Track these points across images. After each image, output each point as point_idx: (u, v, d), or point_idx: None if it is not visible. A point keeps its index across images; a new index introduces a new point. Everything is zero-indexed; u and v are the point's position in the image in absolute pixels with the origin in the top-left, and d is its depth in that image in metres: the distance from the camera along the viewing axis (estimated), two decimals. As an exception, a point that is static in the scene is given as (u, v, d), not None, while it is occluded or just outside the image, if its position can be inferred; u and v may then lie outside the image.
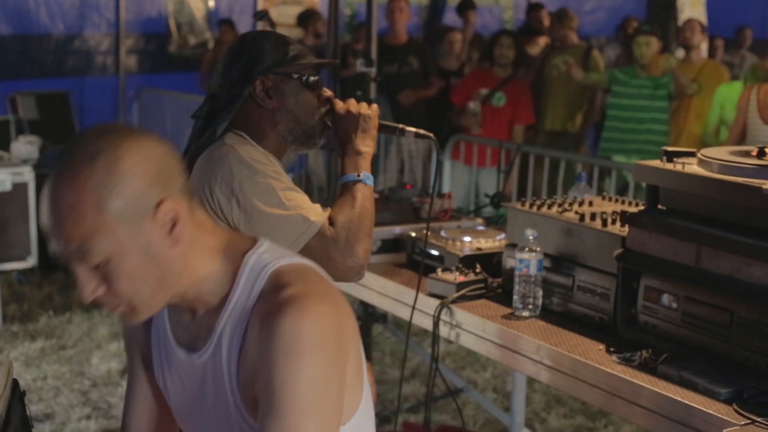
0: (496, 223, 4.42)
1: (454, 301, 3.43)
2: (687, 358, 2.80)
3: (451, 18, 12.41)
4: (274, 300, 1.81)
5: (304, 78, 2.83)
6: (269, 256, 1.90)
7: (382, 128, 2.94)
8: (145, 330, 2.08)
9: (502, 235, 3.83)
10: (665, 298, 2.88)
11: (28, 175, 7.37)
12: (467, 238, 3.80)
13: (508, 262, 3.44)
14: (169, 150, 1.84)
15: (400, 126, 2.99)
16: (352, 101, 2.91)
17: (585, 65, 8.76)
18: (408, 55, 9.02)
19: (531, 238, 3.24)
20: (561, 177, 7.02)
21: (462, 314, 3.38)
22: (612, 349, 2.96)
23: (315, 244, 2.65)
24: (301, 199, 2.70)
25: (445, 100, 9.12)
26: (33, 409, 5.43)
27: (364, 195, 2.77)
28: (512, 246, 3.39)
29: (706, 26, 8.72)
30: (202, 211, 1.93)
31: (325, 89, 2.92)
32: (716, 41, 11.72)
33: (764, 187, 2.57)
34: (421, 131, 2.99)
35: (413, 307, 3.37)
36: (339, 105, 2.89)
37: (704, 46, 8.61)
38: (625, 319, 3.01)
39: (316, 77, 2.87)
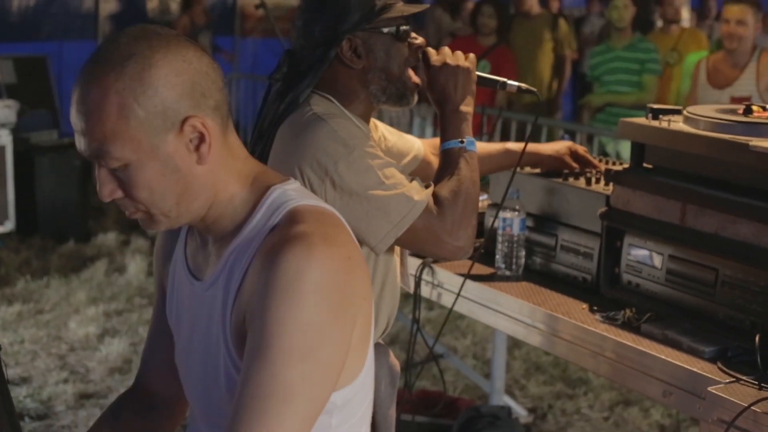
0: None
1: (435, 261, 3.39)
2: (671, 318, 2.78)
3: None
4: (285, 232, 1.72)
5: (396, 31, 2.56)
6: (295, 194, 1.82)
7: (481, 81, 2.69)
8: (166, 260, 2.04)
9: (485, 196, 3.78)
10: (649, 257, 2.85)
11: (5, 138, 7.32)
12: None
13: (491, 222, 3.40)
14: (210, 65, 1.77)
15: (502, 79, 2.77)
16: (446, 50, 2.63)
17: (553, 35, 8.76)
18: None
19: (514, 197, 3.20)
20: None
21: (444, 274, 3.35)
22: (595, 308, 2.93)
23: (421, 225, 2.43)
24: (400, 176, 2.46)
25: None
26: (10, 373, 5.39)
27: (468, 164, 2.53)
28: (495, 206, 3.36)
29: None
30: (237, 138, 1.85)
31: (415, 35, 2.62)
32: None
33: (751, 143, 2.54)
34: (524, 85, 2.79)
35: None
36: (434, 56, 2.62)
37: (686, 15, 8.52)
38: (608, 278, 2.98)
39: (407, 27, 2.58)
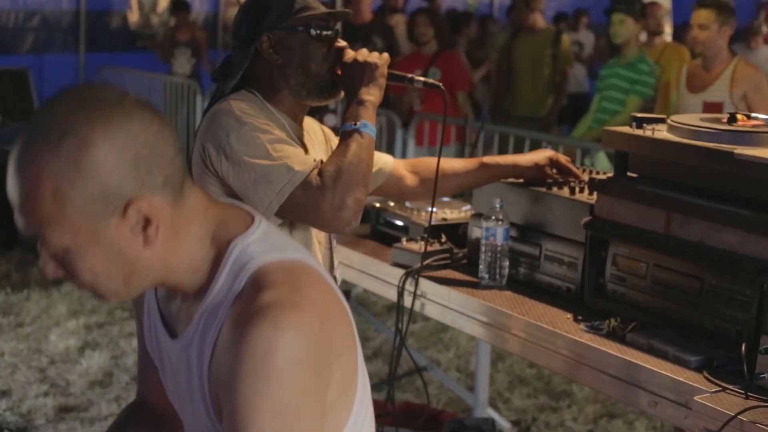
0: (461, 196, 4.36)
1: (418, 271, 3.36)
2: (656, 327, 2.76)
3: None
4: (252, 302, 1.60)
5: (311, 30, 2.76)
6: (257, 248, 1.70)
7: (390, 77, 2.83)
8: (141, 298, 1.94)
9: (468, 206, 3.77)
10: (634, 266, 2.83)
11: (-15, 150, 7.25)
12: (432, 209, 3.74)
13: (474, 232, 3.38)
14: (159, 132, 1.61)
15: (410, 75, 2.90)
16: (363, 51, 2.81)
17: (554, 51, 8.74)
18: (371, 34, 8.94)
19: (497, 206, 3.18)
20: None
21: (427, 284, 3.32)
22: (580, 318, 2.91)
23: (300, 194, 2.57)
24: (291, 150, 2.63)
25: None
26: (-11, 386, 5.35)
27: (358, 143, 2.65)
28: (478, 216, 3.34)
29: (668, 10, 8.69)
30: (196, 190, 1.72)
31: (339, 40, 2.83)
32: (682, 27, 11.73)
33: (736, 151, 2.53)
34: (430, 80, 2.92)
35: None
36: (348, 55, 2.80)
37: (668, 30, 8.56)
38: (592, 288, 2.96)
39: (326, 28, 2.79)
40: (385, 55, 2.83)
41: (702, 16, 6.25)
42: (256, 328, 1.56)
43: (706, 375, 2.50)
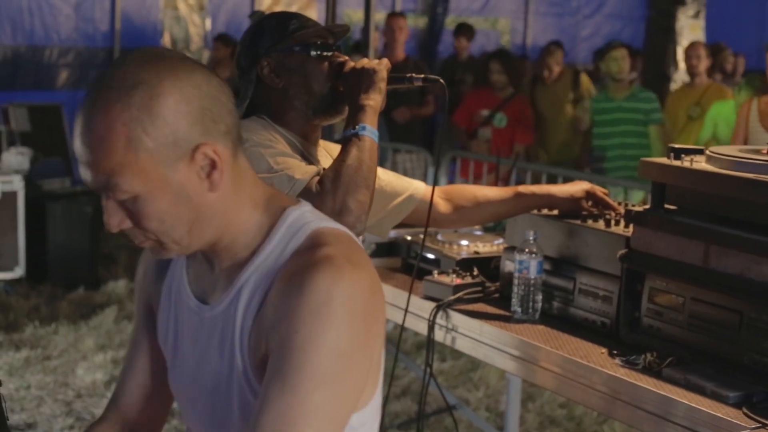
0: (494, 230, 4.32)
1: (450, 304, 3.31)
2: (694, 362, 2.69)
3: (448, 42, 12.39)
4: (311, 256, 1.68)
5: (311, 51, 2.75)
6: (312, 216, 1.79)
7: (391, 81, 2.80)
8: (158, 279, 1.96)
9: (501, 240, 3.72)
10: (671, 300, 2.77)
11: (17, 183, 7.29)
12: (464, 242, 3.70)
13: (507, 266, 3.32)
14: (220, 87, 1.71)
15: (408, 75, 2.88)
16: (363, 59, 2.80)
17: (575, 92, 8.77)
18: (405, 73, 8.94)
19: (531, 239, 3.12)
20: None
21: (458, 317, 3.27)
22: (615, 353, 2.84)
23: None
24: (293, 162, 2.61)
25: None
26: (15, 418, 5.31)
27: (358, 147, 2.62)
28: (511, 249, 3.28)
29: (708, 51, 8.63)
30: (246, 158, 1.80)
31: (338, 54, 2.80)
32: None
33: (776, 182, 2.48)
34: (431, 76, 2.89)
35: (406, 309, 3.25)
36: (348, 66, 2.77)
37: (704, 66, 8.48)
38: (628, 322, 2.90)
39: (325, 47, 2.77)
40: (385, 60, 2.81)
41: None
42: (318, 274, 1.64)
43: (746, 411, 2.44)
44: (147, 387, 2.02)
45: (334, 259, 1.66)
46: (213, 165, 1.68)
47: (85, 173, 1.67)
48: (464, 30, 11.19)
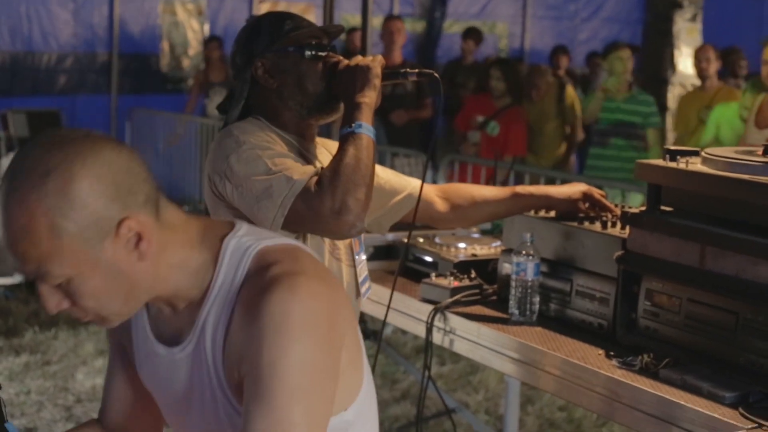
0: (491, 233, 4.32)
1: (448, 307, 3.32)
2: (690, 363, 2.70)
3: (446, 46, 12.41)
4: (261, 279, 1.72)
5: (305, 51, 2.75)
6: (250, 239, 1.82)
7: (385, 77, 2.79)
8: (127, 325, 1.98)
9: (498, 243, 3.73)
10: (667, 301, 2.78)
11: (16, 189, 7.28)
12: (462, 245, 3.71)
13: (504, 268, 3.33)
14: (131, 156, 1.72)
15: (402, 70, 2.88)
16: (357, 57, 2.80)
17: (559, 108, 8.83)
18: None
19: (528, 241, 3.14)
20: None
21: (456, 320, 3.28)
22: (612, 354, 2.85)
23: (300, 203, 2.53)
24: (291, 162, 2.60)
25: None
26: (15, 423, 5.28)
27: (355, 145, 2.61)
28: (508, 251, 3.29)
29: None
30: (172, 206, 1.81)
31: (332, 54, 2.81)
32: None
33: (771, 183, 2.49)
34: (425, 70, 2.87)
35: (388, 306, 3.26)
36: (342, 64, 2.77)
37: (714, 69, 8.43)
38: (625, 324, 2.91)
39: (319, 47, 2.77)
40: (379, 57, 2.81)
41: None
42: (271, 295, 1.68)
43: (742, 411, 2.45)
44: (130, 402, 2.08)
45: (284, 277, 1.70)
46: (139, 236, 1.70)
47: (15, 263, 1.69)
48: (472, 34, 11.22)
